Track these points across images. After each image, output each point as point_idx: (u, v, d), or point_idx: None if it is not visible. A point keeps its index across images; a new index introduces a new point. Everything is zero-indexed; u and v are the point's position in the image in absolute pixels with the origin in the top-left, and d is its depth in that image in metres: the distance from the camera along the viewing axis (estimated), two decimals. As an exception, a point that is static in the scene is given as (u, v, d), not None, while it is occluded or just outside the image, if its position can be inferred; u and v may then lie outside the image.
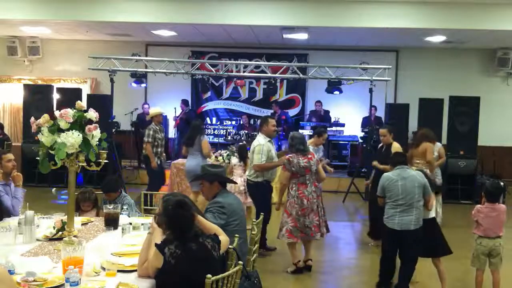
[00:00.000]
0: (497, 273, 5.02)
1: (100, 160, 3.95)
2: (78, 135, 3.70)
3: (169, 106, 13.18)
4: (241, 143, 8.95)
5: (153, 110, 8.95)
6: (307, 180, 5.85)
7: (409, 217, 4.98)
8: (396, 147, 6.85)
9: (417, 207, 5.01)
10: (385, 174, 5.26)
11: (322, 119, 12.94)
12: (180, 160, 9.81)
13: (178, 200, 3.30)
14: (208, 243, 3.24)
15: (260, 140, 6.40)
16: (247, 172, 6.96)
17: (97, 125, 3.85)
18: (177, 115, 13.19)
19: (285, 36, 12.16)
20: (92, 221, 4.57)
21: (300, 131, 11.56)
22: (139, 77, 12.12)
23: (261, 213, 4.81)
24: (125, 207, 5.05)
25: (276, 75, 12.38)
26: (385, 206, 5.16)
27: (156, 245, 3.12)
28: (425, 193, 5.06)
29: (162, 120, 9.04)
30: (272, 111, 13.36)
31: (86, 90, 13.68)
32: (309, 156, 5.93)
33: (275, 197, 7.21)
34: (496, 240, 4.98)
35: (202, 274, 2.96)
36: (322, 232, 5.99)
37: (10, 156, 4.96)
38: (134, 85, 12.33)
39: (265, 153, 6.27)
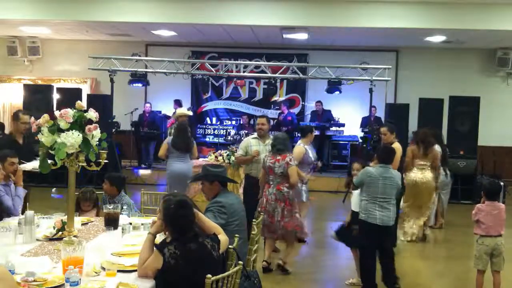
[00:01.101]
0: (498, 274, 5.01)
1: (100, 160, 3.95)
2: (78, 135, 3.70)
3: (169, 106, 13.18)
4: None
5: (178, 111, 8.92)
6: (271, 180, 5.78)
7: (388, 212, 5.07)
8: (397, 147, 6.51)
9: (393, 204, 5.16)
10: (368, 168, 5.21)
11: (327, 119, 12.85)
12: None
13: (179, 200, 3.30)
14: (208, 243, 3.24)
15: (248, 137, 7.04)
16: None
17: (97, 125, 3.86)
18: (177, 115, 13.15)
19: (285, 36, 12.16)
20: (92, 221, 4.56)
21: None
22: (139, 77, 12.11)
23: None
24: (124, 207, 5.06)
25: (276, 75, 12.38)
26: (361, 200, 5.15)
27: (155, 245, 3.13)
28: (397, 193, 5.27)
29: (187, 121, 8.72)
30: (279, 111, 13.35)
31: (86, 90, 13.67)
32: (278, 157, 5.71)
33: None
34: (498, 239, 4.99)
35: (201, 274, 2.96)
36: (283, 234, 5.76)
37: (14, 159, 4.98)
38: (134, 85, 12.32)
39: (242, 148, 6.65)
